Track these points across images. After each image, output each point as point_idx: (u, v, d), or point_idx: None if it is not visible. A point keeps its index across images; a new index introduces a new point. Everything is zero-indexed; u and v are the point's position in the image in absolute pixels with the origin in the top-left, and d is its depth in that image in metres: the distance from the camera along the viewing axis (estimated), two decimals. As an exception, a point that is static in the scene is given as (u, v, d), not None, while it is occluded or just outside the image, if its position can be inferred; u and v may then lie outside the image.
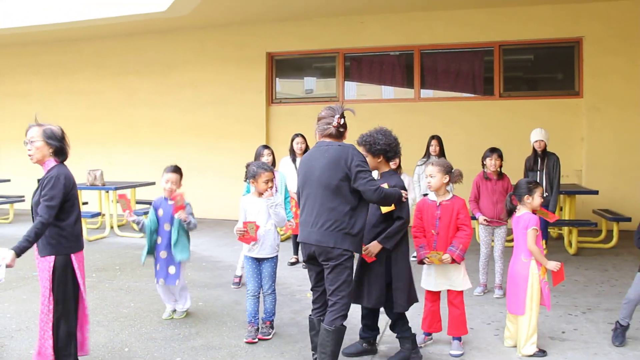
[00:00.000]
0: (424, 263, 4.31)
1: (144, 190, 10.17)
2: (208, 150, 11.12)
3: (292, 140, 7.26)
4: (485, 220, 5.70)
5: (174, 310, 5.16)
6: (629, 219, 7.86)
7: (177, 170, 4.98)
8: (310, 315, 3.92)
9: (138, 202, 9.97)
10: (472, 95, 10.55)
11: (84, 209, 9.91)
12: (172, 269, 4.90)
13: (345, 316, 3.68)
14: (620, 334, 4.42)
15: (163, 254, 4.91)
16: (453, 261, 4.18)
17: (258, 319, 4.68)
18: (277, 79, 11.40)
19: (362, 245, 3.83)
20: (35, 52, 12.48)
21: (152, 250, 4.96)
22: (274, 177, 4.69)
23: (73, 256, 3.61)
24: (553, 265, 4.21)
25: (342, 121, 3.79)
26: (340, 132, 3.81)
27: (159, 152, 11.39)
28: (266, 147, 6.40)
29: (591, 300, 5.60)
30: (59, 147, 3.61)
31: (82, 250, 3.71)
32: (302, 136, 7.26)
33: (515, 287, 4.30)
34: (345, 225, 3.62)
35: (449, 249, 4.19)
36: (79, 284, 3.64)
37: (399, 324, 4.12)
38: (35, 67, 12.55)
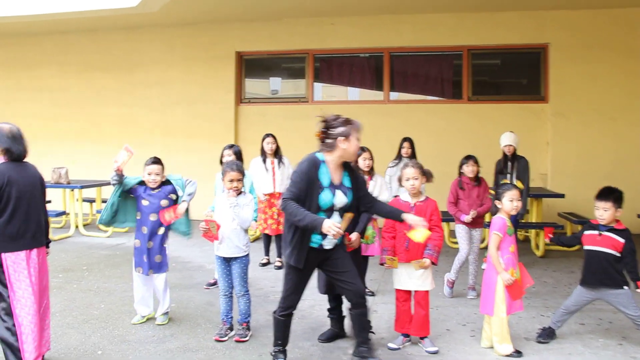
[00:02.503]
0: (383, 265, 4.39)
1: (110, 189, 9.94)
2: (176, 150, 10.89)
3: (263, 140, 7.20)
4: (470, 217, 5.76)
5: (145, 316, 5.02)
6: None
7: (158, 161, 4.88)
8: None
9: (104, 201, 9.74)
10: (441, 98, 10.68)
11: (48, 207, 9.60)
12: (158, 258, 4.87)
13: (279, 308, 3.93)
14: (546, 335, 4.54)
15: (150, 244, 4.82)
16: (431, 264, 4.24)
17: (231, 317, 4.63)
18: (246, 78, 11.31)
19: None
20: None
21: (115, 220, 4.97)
22: (242, 177, 4.59)
23: (3, 255, 3.56)
24: (505, 277, 4.16)
25: (319, 131, 3.81)
26: (325, 142, 3.78)
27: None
28: (231, 146, 6.19)
29: (561, 301, 5.59)
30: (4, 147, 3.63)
31: (19, 251, 3.61)
32: (273, 136, 7.21)
33: (486, 288, 4.36)
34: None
35: (426, 252, 4.25)
36: (7, 285, 3.57)
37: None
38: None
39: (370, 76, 10.97)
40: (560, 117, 9.95)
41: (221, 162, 5.87)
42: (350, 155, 3.80)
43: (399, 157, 7.54)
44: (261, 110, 11.08)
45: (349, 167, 3.91)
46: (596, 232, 4.42)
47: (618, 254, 4.34)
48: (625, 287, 4.32)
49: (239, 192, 4.49)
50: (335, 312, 4.62)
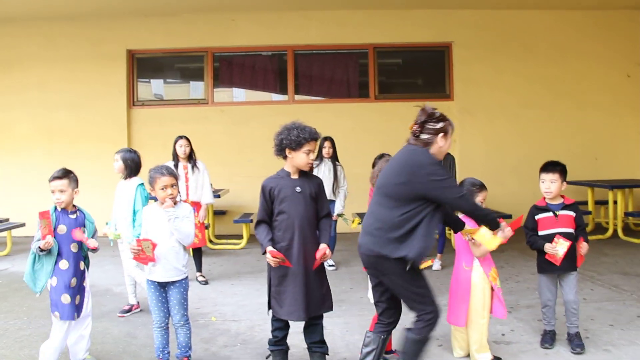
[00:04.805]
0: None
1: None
2: (62, 158, 9.43)
3: (175, 142, 6.46)
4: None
5: None
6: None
7: (63, 175, 3.77)
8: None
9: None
10: (348, 97, 10.39)
11: None
12: (79, 298, 3.78)
13: (434, 316, 3.32)
14: (549, 338, 4.23)
15: (74, 282, 3.71)
16: None
17: (167, 353, 3.87)
18: (139, 79, 10.34)
19: None
20: None
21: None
22: (176, 182, 3.87)
23: None
24: (507, 233, 3.61)
25: (417, 125, 3.34)
26: (420, 137, 3.33)
27: (2, 162, 9.79)
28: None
29: (508, 298, 5.44)
30: None
31: None
32: (187, 138, 6.48)
33: (456, 297, 3.95)
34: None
35: None
36: None
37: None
38: None
39: (274, 75, 10.44)
40: (466, 115, 10.02)
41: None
42: (441, 155, 3.34)
43: (319, 157, 7.08)
44: (157, 113, 10.17)
45: None
46: (550, 214, 4.11)
47: (573, 232, 4.11)
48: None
49: (176, 201, 3.77)
50: (283, 341, 3.79)
